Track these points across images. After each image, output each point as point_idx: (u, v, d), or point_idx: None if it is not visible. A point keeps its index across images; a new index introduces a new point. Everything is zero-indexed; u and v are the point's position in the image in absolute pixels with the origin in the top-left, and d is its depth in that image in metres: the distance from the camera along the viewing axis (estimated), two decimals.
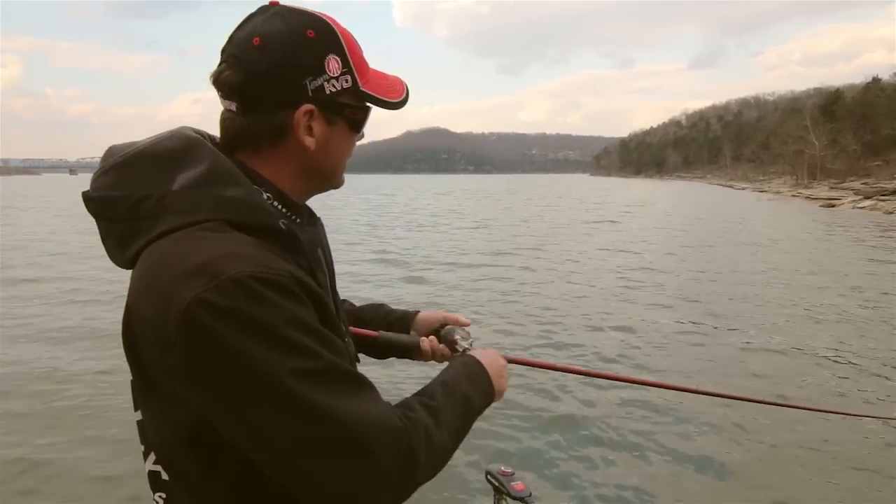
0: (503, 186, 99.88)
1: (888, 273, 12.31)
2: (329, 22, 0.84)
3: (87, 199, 0.80)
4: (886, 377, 6.00)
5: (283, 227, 0.79)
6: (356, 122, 0.89)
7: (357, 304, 1.33)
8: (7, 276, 11.73)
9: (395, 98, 0.90)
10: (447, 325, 1.25)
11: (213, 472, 0.77)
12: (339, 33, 0.84)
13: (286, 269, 0.72)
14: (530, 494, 1.31)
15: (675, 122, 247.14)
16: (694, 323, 8.21)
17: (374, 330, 1.23)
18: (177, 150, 0.80)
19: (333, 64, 0.83)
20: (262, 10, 0.84)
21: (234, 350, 0.66)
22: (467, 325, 1.26)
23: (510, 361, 1.13)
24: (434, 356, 1.22)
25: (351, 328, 1.13)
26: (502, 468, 1.38)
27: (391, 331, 1.25)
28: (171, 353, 0.68)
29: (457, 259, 14.49)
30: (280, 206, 0.85)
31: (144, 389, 0.78)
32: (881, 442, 4.61)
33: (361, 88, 0.86)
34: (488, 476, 1.38)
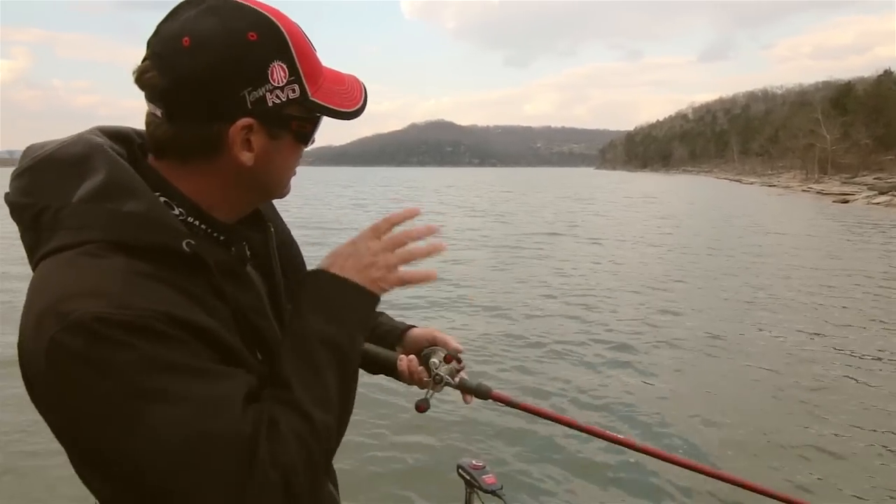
0: (516, 180, 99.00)
1: None
2: (275, 20, 0.73)
3: (5, 201, 0.76)
4: None
5: (185, 248, 0.70)
6: (304, 135, 0.79)
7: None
8: None
9: (349, 107, 0.80)
10: (435, 345, 1.13)
11: (119, 493, 0.73)
12: (286, 35, 0.74)
13: (153, 307, 0.65)
14: (501, 487, 1.32)
15: (681, 116, 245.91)
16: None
17: None
18: (77, 156, 0.74)
19: (278, 72, 0.73)
20: (197, 0, 0.73)
21: (82, 391, 0.63)
22: (458, 350, 1.12)
23: (495, 399, 1.08)
24: (412, 378, 1.10)
25: None
26: (473, 462, 1.38)
27: (379, 345, 1.14)
28: (40, 386, 0.67)
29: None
30: (195, 221, 0.77)
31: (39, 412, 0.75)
32: None
33: (311, 98, 0.76)
34: (459, 470, 1.38)
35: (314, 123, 0.80)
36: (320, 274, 0.82)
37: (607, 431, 1.20)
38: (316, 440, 0.72)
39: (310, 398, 0.73)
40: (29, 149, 0.77)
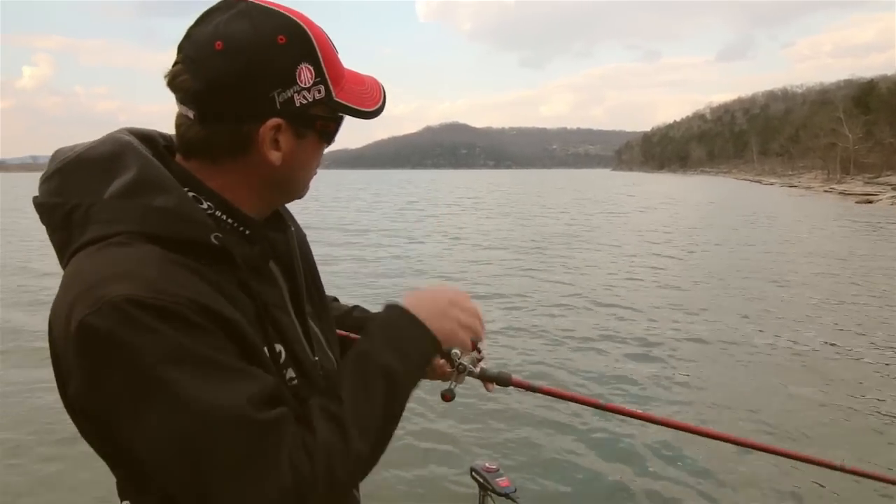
0: (532, 181, 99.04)
1: None
2: (303, 25, 0.76)
3: (34, 204, 0.78)
4: None
5: (213, 241, 0.73)
6: (328, 134, 0.82)
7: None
8: None
9: (370, 107, 0.82)
10: None
11: (144, 489, 0.74)
12: (313, 38, 0.77)
13: (183, 294, 0.66)
14: (515, 490, 1.31)
15: (699, 116, 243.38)
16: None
17: None
18: (106, 155, 0.76)
19: (306, 73, 0.76)
20: (227, 4, 0.76)
21: (107, 373, 0.64)
22: (478, 339, 1.13)
23: (515, 385, 1.08)
24: (434, 373, 1.11)
25: (346, 333, 1.09)
26: (487, 464, 1.37)
27: None
28: (73, 373, 0.67)
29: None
30: (223, 216, 0.79)
31: (66, 406, 0.75)
32: None
33: (335, 98, 0.79)
34: (473, 472, 1.37)
35: (338, 123, 0.82)
36: (400, 309, 0.84)
37: (626, 407, 1.19)
38: (343, 461, 0.71)
39: (354, 420, 0.73)
40: (57, 152, 0.79)
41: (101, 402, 0.66)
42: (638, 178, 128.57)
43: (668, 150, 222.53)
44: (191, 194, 0.76)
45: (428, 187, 70.24)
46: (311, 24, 0.77)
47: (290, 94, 0.75)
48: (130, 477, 0.75)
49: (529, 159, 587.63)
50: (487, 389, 1.13)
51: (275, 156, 0.78)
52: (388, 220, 25.85)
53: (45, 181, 0.77)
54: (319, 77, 0.77)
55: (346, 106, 0.80)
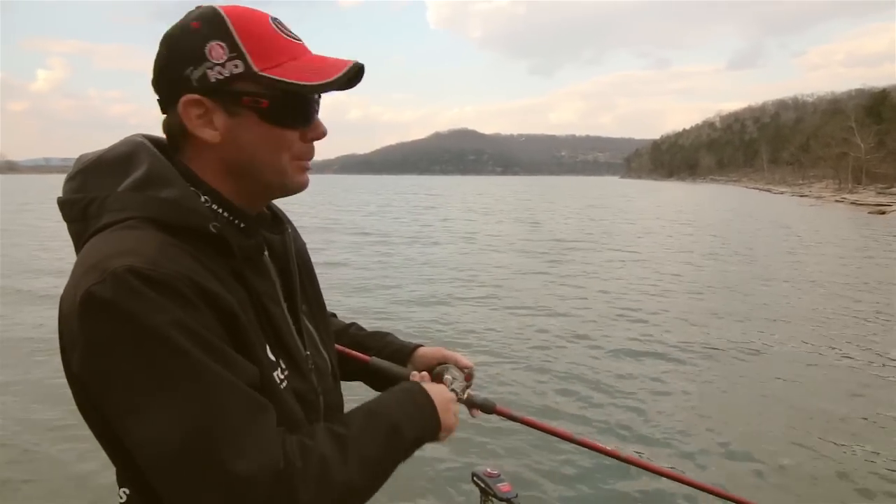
0: (540, 188, 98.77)
1: None
2: (220, 10, 0.80)
3: (57, 202, 0.84)
4: None
5: (212, 230, 0.77)
6: (265, 112, 0.80)
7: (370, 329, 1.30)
8: None
9: (313, 80, 0.79)
10: (445, 363, 1.18)
11: (127, 471, 0.77)
12: (228, 20, 0.79)
13: (180, 271, 0.70)
14: (517, 496, 1.32)
15: (708, 124, 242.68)
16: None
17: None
18: (123, 155, 0.82)
19: (217, 50, 0.78)
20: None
21: (108, 337, 0.67)
22: (468, 366, 1.18)
23: (498, 413, 1.12)
24: None
25: (343, 348, 1.14)
26: (488, 469, 1.38)
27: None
28: (76, 342, 0.70)
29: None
30: (219, 209, 0.83)
31: (69, 382, 0.77)
32: None
33: (260, 73, 0.79)
34: (474, 477, 1.39)
35: (275, 100, 0.80)
36: (421, 389, 0.95)
37: (597, 443, 1.22)
38: (337, 475, 0.74)
39: (356, 448, 0.78)
40: (81, 156, 0.85)
41: (101, 369, 0.68)
42: (647, 185, 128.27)
43: (677, 158, 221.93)
44: (191, 189, 0.80)
45: (444, 194, 69.99)
46: (236, 9, 0.81)
47: (203, 71, 0.78)
48: (127, 465, 0.76)
49: (538, 166, 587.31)
50: (472, 415, 1.16)
51: (209, 133, 0.80)
52: (401, 224, 25.73)
53: (68, 181, 0.83)
54: (234, 52, 0.78)
55: (277, 80, 0.79)
